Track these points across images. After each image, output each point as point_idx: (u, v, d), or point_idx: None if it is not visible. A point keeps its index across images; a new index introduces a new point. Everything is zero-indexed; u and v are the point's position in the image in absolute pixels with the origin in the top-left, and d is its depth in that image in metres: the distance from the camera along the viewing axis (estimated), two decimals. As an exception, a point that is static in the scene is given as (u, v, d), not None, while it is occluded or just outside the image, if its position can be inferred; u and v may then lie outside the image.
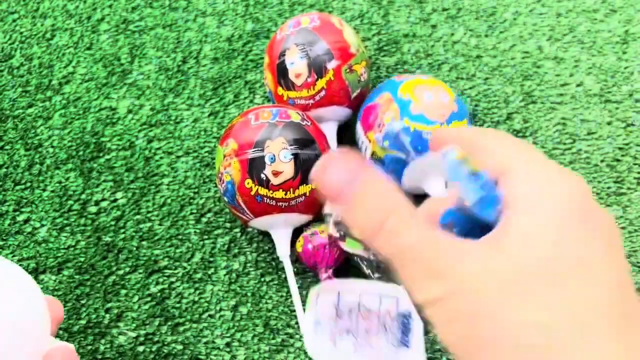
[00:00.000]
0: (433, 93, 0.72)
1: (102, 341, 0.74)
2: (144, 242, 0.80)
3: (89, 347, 0.74)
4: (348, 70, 0.78)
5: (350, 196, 0.30)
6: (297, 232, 0.75)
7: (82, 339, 0.74)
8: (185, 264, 0.78)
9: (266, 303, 0.75)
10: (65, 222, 0.82)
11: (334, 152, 0.35)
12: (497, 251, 0.29)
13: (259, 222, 0.73)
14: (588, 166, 0.81)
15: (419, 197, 0.73)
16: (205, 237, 0.80)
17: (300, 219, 0.74)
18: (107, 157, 0.86)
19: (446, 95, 0.73)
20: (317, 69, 0.77)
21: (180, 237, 0.80)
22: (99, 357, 0.73)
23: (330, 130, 0.80)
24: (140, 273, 0.78)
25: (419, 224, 0.30)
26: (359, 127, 0.77)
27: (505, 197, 0.31)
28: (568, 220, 0.29)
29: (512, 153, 0.33)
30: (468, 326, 0.28)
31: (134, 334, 0.74)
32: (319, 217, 0.76)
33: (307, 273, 0.76)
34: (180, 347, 0.73)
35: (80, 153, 0.87)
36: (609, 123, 0.84)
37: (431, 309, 0.29)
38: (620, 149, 0.82)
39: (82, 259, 0.79)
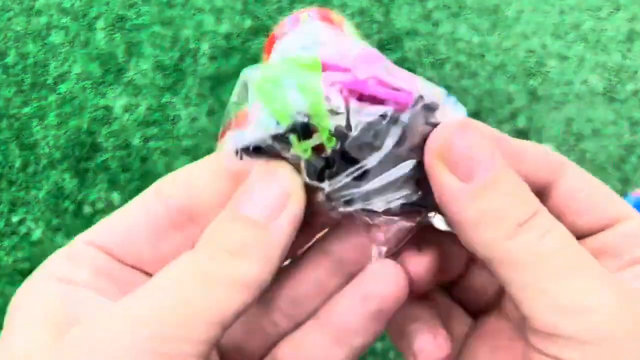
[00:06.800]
0: None
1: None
2: (140, 244, 0.79)
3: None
4: (348, 68, 0.77)
5: (492, 170, 0.21)
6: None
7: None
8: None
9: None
10: (60, 223, 0.81)
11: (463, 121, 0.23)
12: None
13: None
14: (593, 166, 0.80)
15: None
16: (203, 238, 0.79)
17: (300, 220, 0.73)
18: (103, 157, 0.85)
19: None
20: (317, 67, 0.76)
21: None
22: None
23: (330, 130, 0.79)
24: (136, 275, 0.77)
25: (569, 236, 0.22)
26: None
27: None
28: None
29: None
30: None
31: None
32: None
33: (307, 275, 0.76)
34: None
35: (76, 153, 0.86)
36: (613, 122, 0.83)
37: (555, 347, 0.21)
38: (625, 148, 0.81)
39: (77, 261, 0.78)
